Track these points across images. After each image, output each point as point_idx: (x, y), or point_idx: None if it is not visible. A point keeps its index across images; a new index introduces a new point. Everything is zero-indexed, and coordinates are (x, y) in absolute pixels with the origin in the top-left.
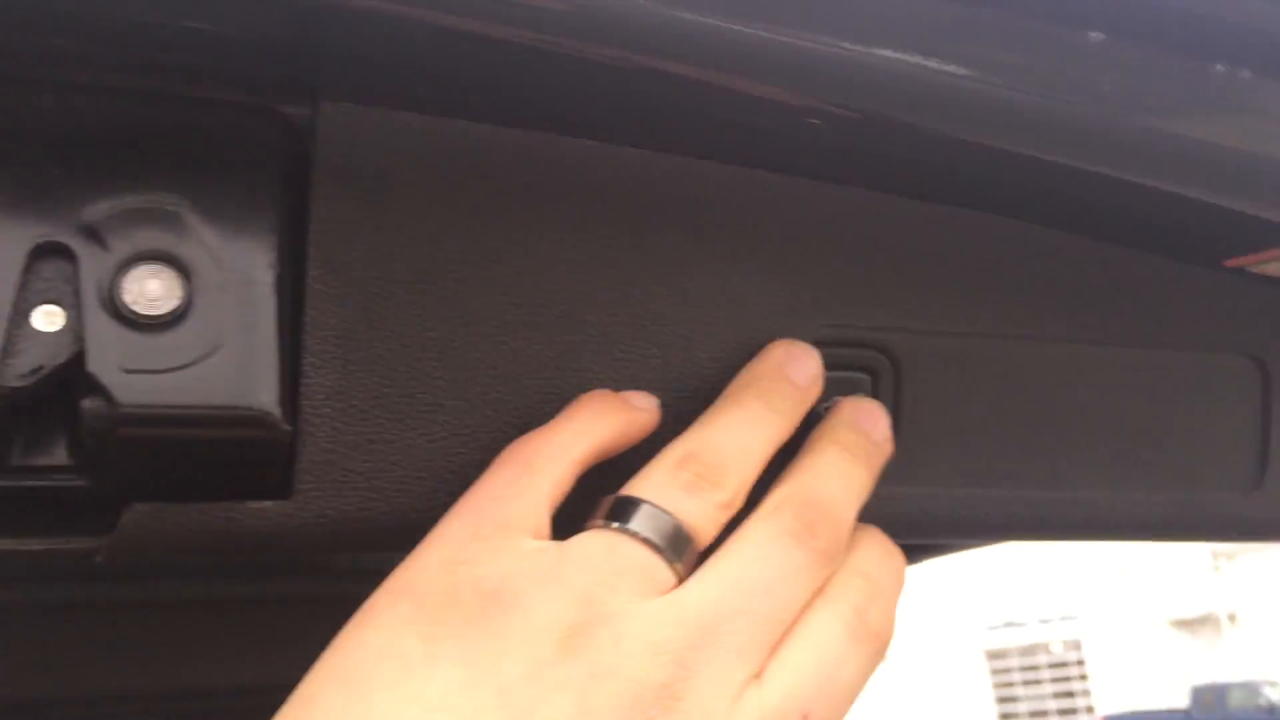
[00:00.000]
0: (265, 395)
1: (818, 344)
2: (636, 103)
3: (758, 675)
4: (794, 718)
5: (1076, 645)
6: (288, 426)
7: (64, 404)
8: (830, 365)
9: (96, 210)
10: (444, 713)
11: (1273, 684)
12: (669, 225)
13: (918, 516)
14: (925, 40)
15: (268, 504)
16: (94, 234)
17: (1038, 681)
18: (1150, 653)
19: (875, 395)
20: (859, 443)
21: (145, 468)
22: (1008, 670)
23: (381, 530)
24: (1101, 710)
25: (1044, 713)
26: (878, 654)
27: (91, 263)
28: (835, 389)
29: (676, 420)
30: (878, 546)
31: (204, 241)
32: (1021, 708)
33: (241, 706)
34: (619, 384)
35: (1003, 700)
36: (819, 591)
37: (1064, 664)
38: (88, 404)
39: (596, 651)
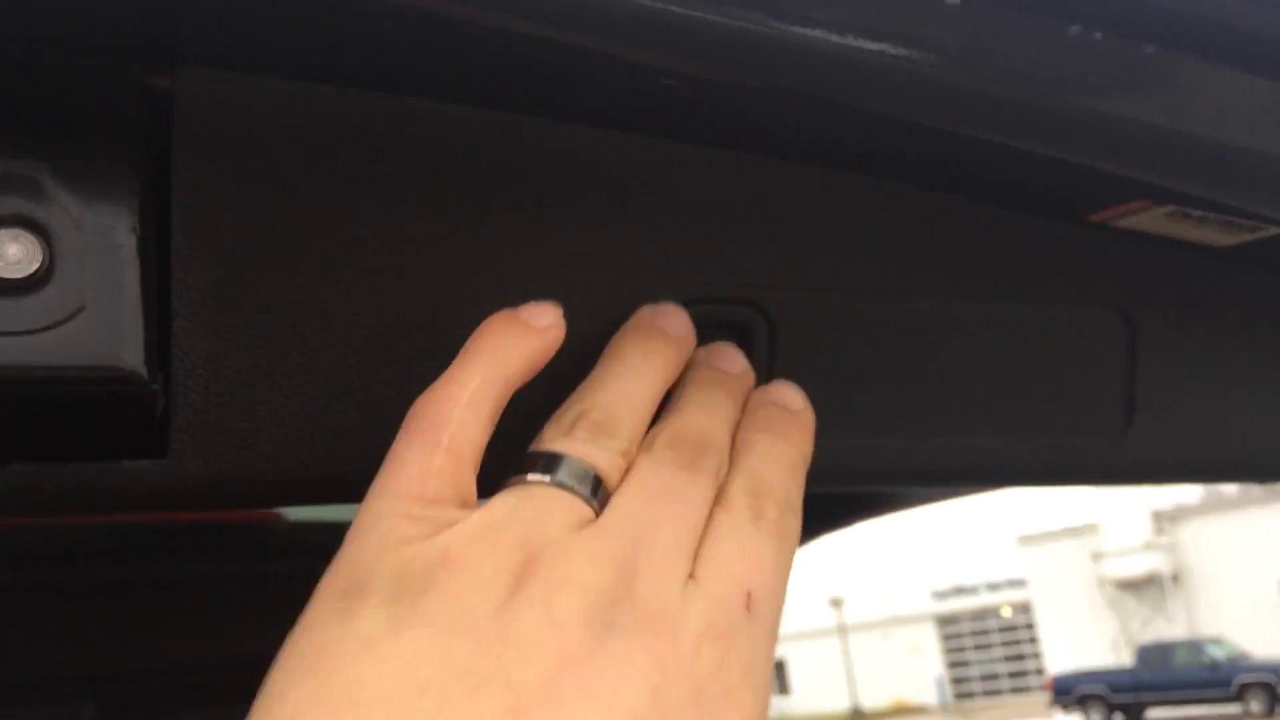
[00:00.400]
0: (130, 355)
1: (691, 301)
2: (500, 63)
3: (692, 576)
4: (739, 597)
5: (1026, 608)
6: (155, 386)
7: None
8: (705, 322)
9: None
10: (420, 664)
11: (1215, 642)
12: (540, 188)
13: (810, 466)
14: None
15: (144, 463)
16: None
17: (988, 645)
18: (1097, 614)
19: (750, 350)
20: (717, 376)
21: (16, 429)
22: (959, 635)
23: (260, 489)
24: (1052, 670)
25: (995, 675)
26: (789, 538)
27: None
28: (712, 342)
29: (553, 378)
30: (760, 442)
31: (64, 206)
32: (973, 671)
33: (183, 684)
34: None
35: (954, 665)
36: (716, 502)
37: (1014, 628)
38: None
39: (547, 570)
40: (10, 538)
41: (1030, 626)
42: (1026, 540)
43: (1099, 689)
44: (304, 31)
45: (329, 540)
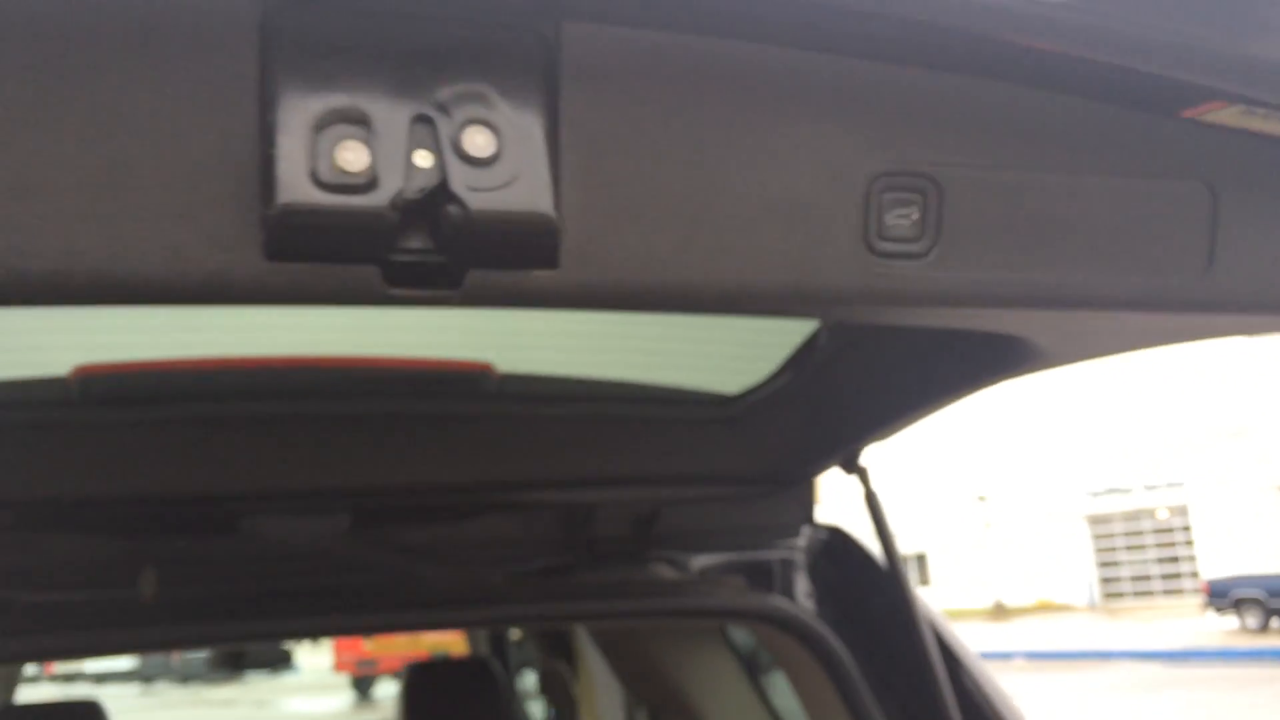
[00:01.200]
0: (544, 204)
1: (884, 174)
2: (776, 10)
3: None
4: None
5: (1182, 511)
6: (557, 224)
7: (432, 212)
8: (893, 188)
9: (445, 93)
10: None
11: None
12: (785, 96)
13: (966, 292)
14: None
15: (545, 272)
16: (445, 108)
17: (1141, 547)
18: (1259, 518)
19: (924, 210)
20: None
21: (480, 248)
22: (1110, 535)
23: (617, 294)
24: (1206, 575)
25: (1146, 577)
26: None
27: (445, 125)
28: (897, 203)
29: (777, 210)
30: None
31: (505, 113)
32: (1123, 572)
33: (415, 502)
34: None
35: (1104, 565)
36: None
37: (1169, 530)
38: (452, 209)
39: None
40: (285, 375)
41: (1186, 529)
42: (1187, 441)
43: (1256, 593)
44: None
45: (532, 389)
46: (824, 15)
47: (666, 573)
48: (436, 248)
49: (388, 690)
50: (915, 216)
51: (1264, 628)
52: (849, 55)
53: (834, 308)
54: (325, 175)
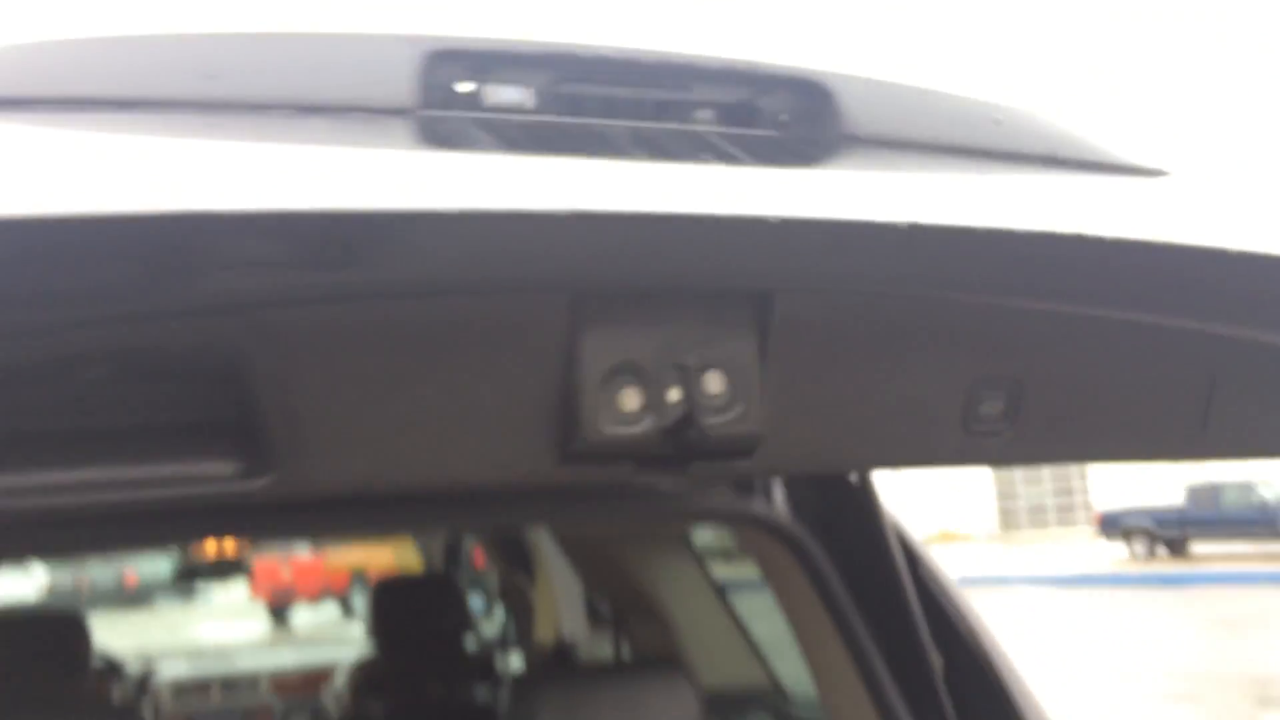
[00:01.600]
0: (756, 425)
1: (979, 380)
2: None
3: None
4: None
5: None
6: (761, 436)
7: (677, 432)
8: (987, 386)
9: (691, 347)
10: None
11: (1266, 483)
12: (912, 327)
13: (1029, 456)
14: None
15: (745, 461)
16: (690, 356)
17: (1038, 480)
18: None
19: (1007, 402)
20: None
21: (704, 452)
22: (1009, 469)
23: (789, 470)
24: (1099, 507)
25: (1043, 508)
26: None
27: (692, 369)
28: (988, 398)
29: (902, 408)
30: None
31: (732, 356)
32: (1020, 504)
33: None
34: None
35: (1003, 497)
36: None
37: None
38: (692, 432)
39: None
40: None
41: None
42: None
43: (1145, 523)
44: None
45: None
46: (942, 280)
47: (663, 481)
48: (675, 454)
49: (304, 618)
50: (1000, 407)
51: (1150, 555)
52: (957, 292)
53: (931, 467)
54: (610, 413)
